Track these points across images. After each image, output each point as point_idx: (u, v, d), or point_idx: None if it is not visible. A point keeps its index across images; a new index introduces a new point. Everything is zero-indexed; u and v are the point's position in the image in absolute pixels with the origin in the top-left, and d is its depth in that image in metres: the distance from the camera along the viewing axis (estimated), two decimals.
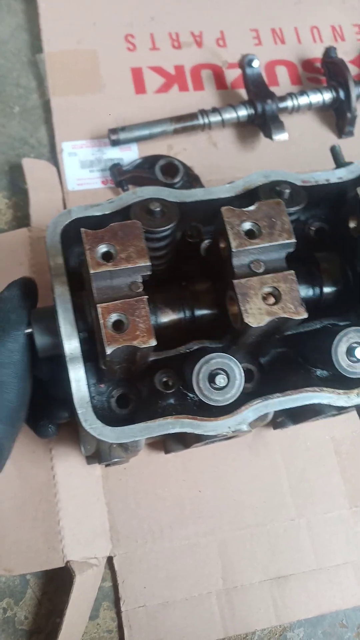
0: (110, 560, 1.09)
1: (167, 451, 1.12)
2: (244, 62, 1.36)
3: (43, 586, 1.09)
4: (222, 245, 0.88)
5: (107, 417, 0.95)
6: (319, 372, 1.00)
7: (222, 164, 1.40)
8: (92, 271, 0.79)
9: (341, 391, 0.92)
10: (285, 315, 0.82)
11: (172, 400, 0.95)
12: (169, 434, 0.88)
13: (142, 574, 1.08)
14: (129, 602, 1.07)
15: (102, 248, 0.81)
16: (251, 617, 1.07)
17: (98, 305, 0.80)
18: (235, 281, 0.83)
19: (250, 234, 0.86)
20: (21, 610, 1.08)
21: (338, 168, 1.08)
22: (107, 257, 0.81)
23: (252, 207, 0.88)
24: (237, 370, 0.87)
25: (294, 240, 0.86)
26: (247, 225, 0.86)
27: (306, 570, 1.11)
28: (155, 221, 0.91)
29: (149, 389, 0.98)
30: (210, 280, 0.99)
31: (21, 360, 0.88)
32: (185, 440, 1.09)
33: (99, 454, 0.99)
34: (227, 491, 1.14)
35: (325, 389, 0.92)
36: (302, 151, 1.43)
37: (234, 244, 0.85)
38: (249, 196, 0.97)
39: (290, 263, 0.92)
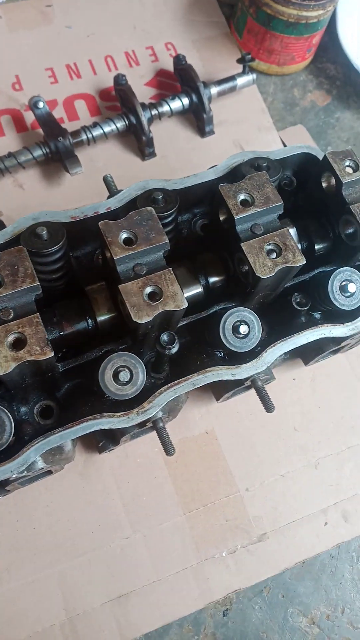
0: None
1: None
2: (31, 105, 1.41)
3: None
4: None
5: None
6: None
7: (31, 204, 1.43)
8: None
9: (120, 413, 0.97)
10: (32, 358, 0.86)
11: None
12: None
13: None
14: None
15: None
16: None
17: None
18: None
19: None
20: None
21: (110, 197, 1.13)
22: None
23: None
24: (5, 417, 0.91)
25: (37, 283, 0.91)
26: None
27: (146, 584, 1.15)
28: None
29: None
30: None
31: None
32: (2, 485, 1.12)
33: None
34: (62, 522, 1.17)
35: (105, 414, 0.97)
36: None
37: None
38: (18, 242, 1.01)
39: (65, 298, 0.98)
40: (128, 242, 0.96)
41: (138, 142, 1.50)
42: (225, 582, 1.17)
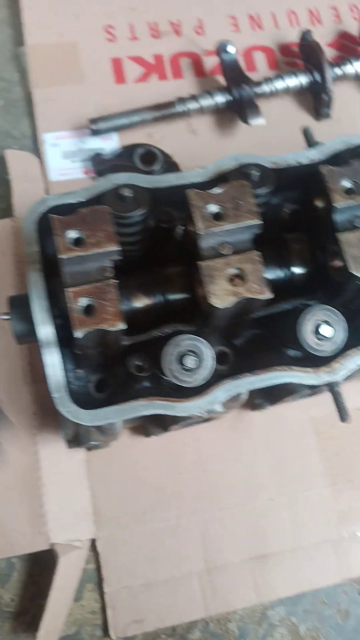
0: (93, 542, 1.11)
1: (147, 434, 1.14)
2: (220, 48, 1.37)
3: (28, 569, 1.12)
4: (190, 228, 0.89)
5: (86, 401, 0.96)
6: (292, 352, 1.00)
7: (201, 151, 1.40)
8: (61, 256, 0.81)
9: (310, 369, 0.94)
10: (250, 296, 0.84)
11: (146, 383, 0.96)
12: (147, 417, 0.90)
13: (124, 555, 1.10)
14: (112, 583, 1.09)
15: (71, 233, 0.82)
16: (232, 596, 1.09)
17: (67, 289, 0.81)
18: (200, 263, 0.85)
19: (216, 217, 0.87)
20: (7, 593, 1.10)
21: (309, 149, 1.09)
22: (76, 242, 0.82)
23: (218, 190, 0.89)
24: (208, 352, 0.89)
25: (259, 221, 0.88)
26: (213, 208, 0.87)
27: (286, 549, 1.13)
28: (127, 207, 0.92)
29: (125, 373, 0.99)
30: (183, 264, 1.00)
31: None
32: (163, 423, 1.11)
33: (77, 438, 1.01)
34: (207, 473, 1.16)
35: (294, 367, 0.93)
36: (281, 135, 1.42)
37: (200, 226, 0.86)
38: (220, 180, 0.98)
39: (261, 245, 0.94)
40: (350, 191, 0.92)
41: (315, 101, 1.45)
42: None
